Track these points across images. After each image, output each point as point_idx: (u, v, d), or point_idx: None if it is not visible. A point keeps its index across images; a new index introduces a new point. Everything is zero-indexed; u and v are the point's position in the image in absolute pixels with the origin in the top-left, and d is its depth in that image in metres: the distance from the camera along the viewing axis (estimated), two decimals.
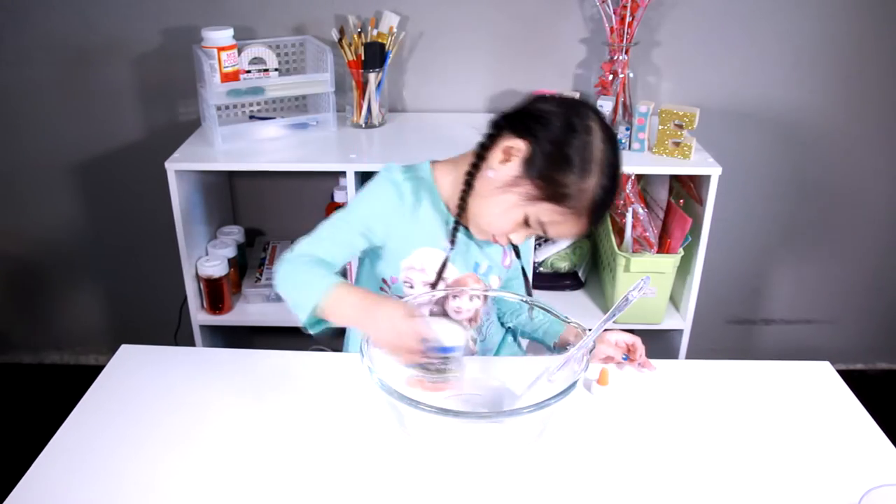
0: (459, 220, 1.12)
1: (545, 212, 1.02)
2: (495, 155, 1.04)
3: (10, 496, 0.86)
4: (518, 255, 1.24)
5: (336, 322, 1.00)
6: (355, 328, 1.26)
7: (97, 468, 0.91)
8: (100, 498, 0.87)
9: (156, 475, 0.90)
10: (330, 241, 1.11)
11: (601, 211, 1.03)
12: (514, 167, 1.02)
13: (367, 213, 1.13)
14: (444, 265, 1.13)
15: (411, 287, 1.17)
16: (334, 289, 0.99)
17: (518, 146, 1.02)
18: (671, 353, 1.87)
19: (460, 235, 1.14)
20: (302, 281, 1.03)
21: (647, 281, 0.99)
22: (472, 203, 1.09)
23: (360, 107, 1.80)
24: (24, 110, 1.96)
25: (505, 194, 1.03)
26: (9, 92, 1.93)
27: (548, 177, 1.00)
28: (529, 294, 1.24)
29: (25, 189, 2.06)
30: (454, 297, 1.16)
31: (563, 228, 1.04)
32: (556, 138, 1.00)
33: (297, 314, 1.01)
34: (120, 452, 0.94)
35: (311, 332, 1.02)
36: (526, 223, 1.04)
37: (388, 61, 1.79)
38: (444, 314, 1.16)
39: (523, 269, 1.24)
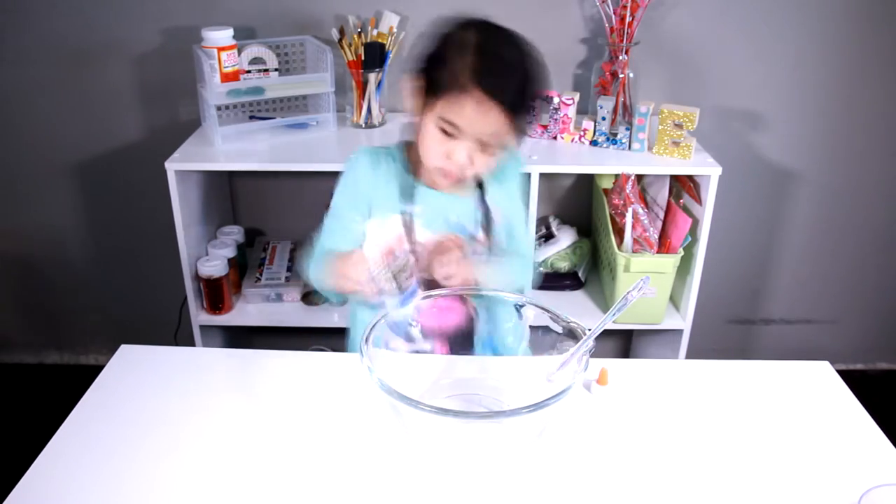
0: (419, 178, 1.19)
1: (442, 108, 1.07)
2: (409, 104, 1.14)
3: (9, 496, 0.86)
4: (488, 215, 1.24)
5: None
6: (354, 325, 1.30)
7: (97, 468, 0.91)
8: (100, 498, 0.87)
9: (156, 475, 0.90)
10: (334, 231, 1.21)
11: (491, 77, 1.05)
12: (417, 99, 1.12)
13: (345, 191, 1.22)
14: (410, 227, 1.18)
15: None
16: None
17: (411, 82, 1.13)
18: (671, 353, 1.87)
19: (425, 192, 1.19)
20: (321, 273, 1.18)
21: (646, 281, 0.99)
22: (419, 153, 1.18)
23: (360, 107, 1.81)
24: (24, 110, 1.96)
25: (423, 124, 1.11)
26: (9, 92, 1.94)
27: (428, 82, 1.09)
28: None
29: (25, 189, 2.06)
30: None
31: (467, 113, 1.05)
32: (428, 53, 1.11)
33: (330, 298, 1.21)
34: (120, 452, 0.94)
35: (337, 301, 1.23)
36: (444, 133, 1.08)
37: (388, 61, 1.79)
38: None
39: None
